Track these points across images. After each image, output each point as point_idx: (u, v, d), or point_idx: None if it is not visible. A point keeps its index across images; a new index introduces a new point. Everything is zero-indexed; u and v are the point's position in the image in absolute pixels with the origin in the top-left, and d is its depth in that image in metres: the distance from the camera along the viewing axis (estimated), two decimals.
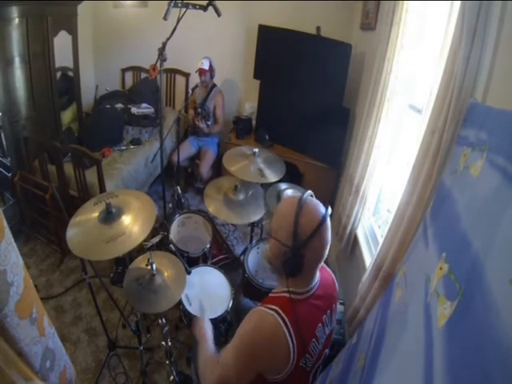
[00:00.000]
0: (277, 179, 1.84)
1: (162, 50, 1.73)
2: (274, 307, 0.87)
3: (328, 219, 0.88)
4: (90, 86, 3.45)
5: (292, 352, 0.84)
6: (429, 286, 0.68)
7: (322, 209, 0.89)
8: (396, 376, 0.67)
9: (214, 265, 1.84)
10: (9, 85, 2.17)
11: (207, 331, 1.19)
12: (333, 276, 1.07)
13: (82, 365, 1.75)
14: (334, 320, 1.03)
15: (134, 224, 1.27)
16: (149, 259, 1.32)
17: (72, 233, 1.22)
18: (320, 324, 0.94)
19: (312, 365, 0.94)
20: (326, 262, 1.11)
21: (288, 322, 0.84)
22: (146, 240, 1.26)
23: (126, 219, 1.28)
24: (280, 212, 0.92)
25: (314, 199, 0.93)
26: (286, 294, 0.90)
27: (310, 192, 0.94)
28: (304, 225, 0.85)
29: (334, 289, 1.05)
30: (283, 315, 0.85)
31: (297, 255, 0.86)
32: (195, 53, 2.99)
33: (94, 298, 1.57)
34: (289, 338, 0.84)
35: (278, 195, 1.91)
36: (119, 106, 3.17)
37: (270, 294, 0.97)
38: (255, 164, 1.86)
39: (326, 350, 1.02)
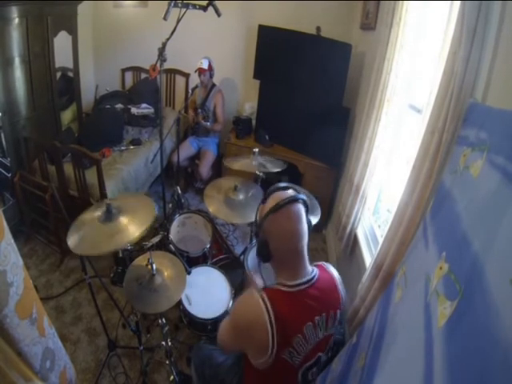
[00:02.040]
0: (278, 170, 1.84)
1: (161, 50, 1.73)
2: (262, 292, 0.92)
3: (291, 206, 0.89)
4: (89, 86, 3.44)
5: (271, 338, 0.86)
6: (429, 286, 0.68)
7: (288, 195, 0.92)
8: (396, 376, 0.67)
9: (213, 265, 1.85)
10: (9, 85, 2.17)
11: None
12: (337, 282, 1.05)
13: (82, 365, 1.75)
14: (332, 327, 1.00)
15: (132, 220, 1.28)
16: (149, 259, 1.32)
17: (72, 237, 1.23)
18: (310, 323, 0.93)
19: (300, 362, 0.95)
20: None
21: (270, 308, 0.87)
22: (146, 240, 1.26)
23: (125, 219, 1.28)
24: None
25: (290, 191, 0.95)
26: (274, 286, 0.95)
27: (293, 186, 0.98)
28: (263, 210, 0.92)
29: (336, 295, 1.03)
30: (266, 300, 0.89)
31: (260, 241, 0.93)
32: (195, 53, 2.98)
33: (94, 298, 1.57)
34: (268, 324, 0.86)
35: None
36: (119, 106, 3.17)
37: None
38: (256, 161, 1.87)
39: (320, 354, 1.00)
